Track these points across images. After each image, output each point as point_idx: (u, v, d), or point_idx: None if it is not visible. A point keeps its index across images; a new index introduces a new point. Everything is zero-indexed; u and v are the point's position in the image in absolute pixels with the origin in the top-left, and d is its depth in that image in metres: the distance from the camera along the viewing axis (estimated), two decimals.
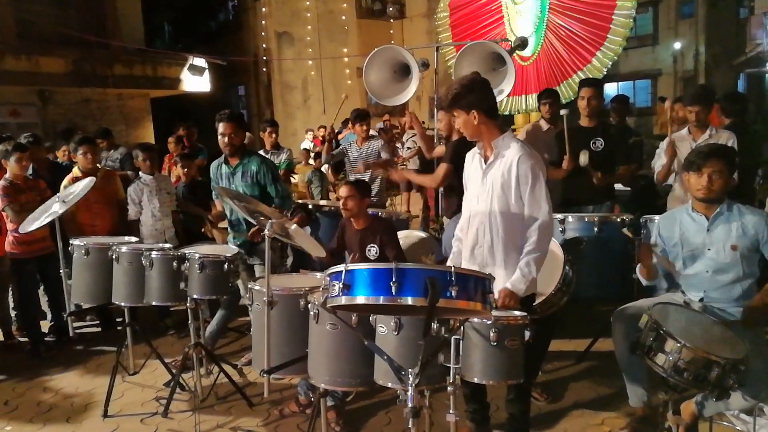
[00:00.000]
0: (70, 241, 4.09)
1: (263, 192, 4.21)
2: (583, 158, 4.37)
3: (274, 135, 6.24)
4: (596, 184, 4.42)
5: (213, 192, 4.72)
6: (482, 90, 2.77)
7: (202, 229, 5.02)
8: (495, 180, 2.76)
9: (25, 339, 5.00)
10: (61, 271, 4.09)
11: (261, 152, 6.68)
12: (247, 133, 7.91)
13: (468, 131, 2.82)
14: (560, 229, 4.15)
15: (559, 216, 4.24)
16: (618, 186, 4.86)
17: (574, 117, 4.71)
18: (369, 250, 3.89)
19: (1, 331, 5.06)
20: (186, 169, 5.62)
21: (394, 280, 1.77)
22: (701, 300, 3.03)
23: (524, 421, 3.10)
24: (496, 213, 2.78)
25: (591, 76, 6.27)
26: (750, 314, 2.83)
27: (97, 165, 5.31)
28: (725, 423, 3.14)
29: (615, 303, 3.39)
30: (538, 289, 3.01)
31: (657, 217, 3.93)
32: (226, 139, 4.15)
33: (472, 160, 2.94)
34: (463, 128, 2.83)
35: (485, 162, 2.83)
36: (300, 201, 6.17)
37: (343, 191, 3.85)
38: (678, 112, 5.90)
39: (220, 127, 4.16)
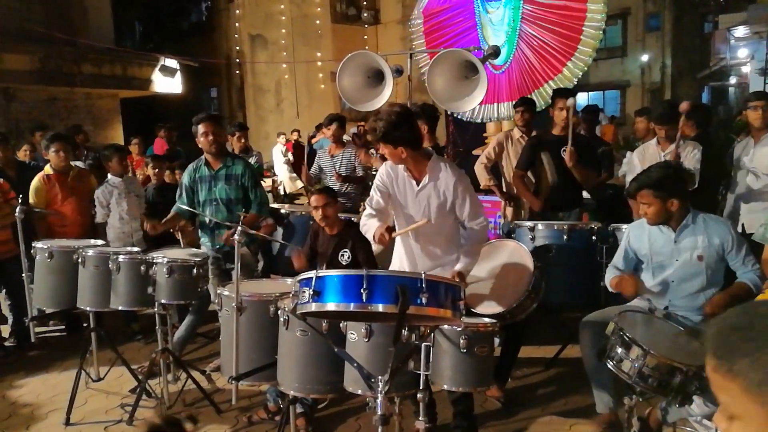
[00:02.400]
0: (33, 244, 3.98)
1: (245, 196, 4.19)
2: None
3: (243, 139, 6.15)
4: (570, 167, 4.46)
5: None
6: (408, 126, 2.91)
7: (171, 230, 4.90)
8: (431, 198, 3.02)
9: None
10: (23, 274, 3.99)
11: None
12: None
13: (395, 161, 3.01)
14: (530, 237, 4.19)
15: (529, 224, 4.29)
16: (585, 194, 4.96)
17: (546, 125, 4.79)
18: (342, 256, 3.87)
19: None
20: (157, 170, 5.52)
21: (364, 287, 1.77)
22: (666, 308, 3.10)
23: (472, 418, 3.17)
24: (436, 225, 3.02)
25: (562, 86, 6.37)
26: (711, 310, 2.92)
27: (70, 164, 5.18)
28: (688, 429, 3.20)
29: (584, 310, 3.44)
30: (507, 294, 3.06)
31: (625, 226, 4.01)
32: (210, 137, 4.10)
33: (397, 178, 3.09)
34: (390, 158, 2.99)
35: (417, 183, 3.04)
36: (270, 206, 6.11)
37: (318, 200, 3.80)
38: (639, 124, 6.06)
39: (202, 127, 4.10)
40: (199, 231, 4.37)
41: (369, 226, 2.97)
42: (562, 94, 4.69)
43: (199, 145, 4.25)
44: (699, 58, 21.41)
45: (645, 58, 22.35)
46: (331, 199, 3.82)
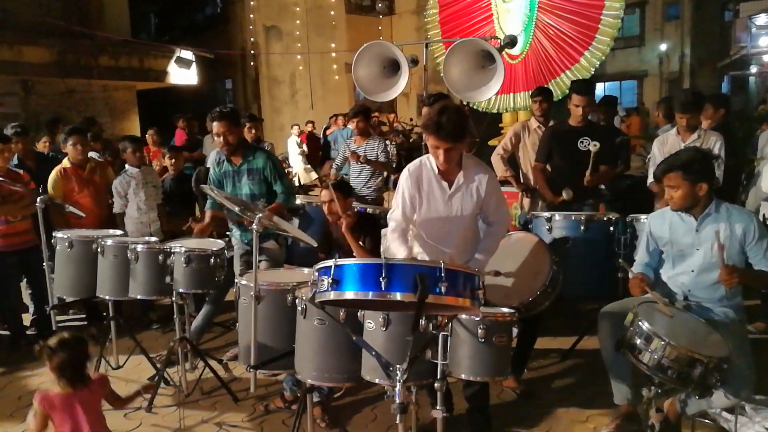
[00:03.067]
0: (54, 234, 4.03)
1: (270, 189, 4.14)
2: (566, 194, 4.48)
3: (254, 130, 6.12)
4: (587, 184, 4.44)
5: (206, 198, 4.58)
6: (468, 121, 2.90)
7: (184, 227, 4.92)
8: (465, 199, 2.95)
9: (6, 332, 4.93)
10: (44, 264, 4.05)
11: None
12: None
13: (453, 159, 2.87)
14: (547, 227, 4.16)
15: (546, 214, 4.25)
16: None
17: (563, 116, 4.74)
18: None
19: None
20: (174, 161, 5.54)
21: (383, 275, 1.77)
22: (685, 299, 3.06)
23: (487, 414, 3.15)
24: (465, 225, 2.99)
25: (580, 76, 6.30)
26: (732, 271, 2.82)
27: (88, 156, 5.24)
28: (708, 421, 3.18)
29: (600, 301, 3.41)
30: (524, 289, 3.05)
31: (644, 217, 3.97)
32: (220, 138, 4.02)
33: (421, 182, 2.96)
34: (449, 155, 2.83)
35: (449, 185, 2.94)
36: None
37: (325, 196, 3.79)
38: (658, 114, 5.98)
39: (214, 127, 4.04)
40: (229, 224, 4.36)
41: (397, 249, 2.91)
42: (583, 92, 4.63)
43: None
44: (719, 47, 21.03)
45: (663, 47, 22.00)
46: (339, 193, 3.76)
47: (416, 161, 3.04)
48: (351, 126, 6.24)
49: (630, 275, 3.10)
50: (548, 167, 4.84)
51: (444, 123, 2.70)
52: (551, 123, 5.13)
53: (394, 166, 6.01)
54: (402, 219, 2.98)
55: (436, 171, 2.94)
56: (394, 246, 2.94)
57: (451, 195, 2.94)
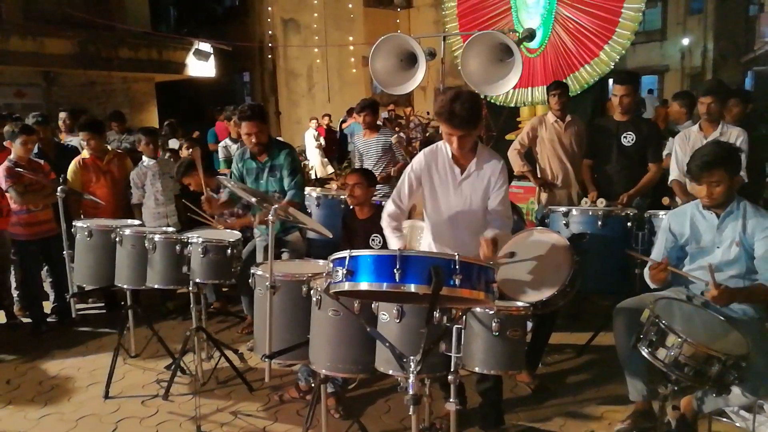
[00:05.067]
0: (74, 223, 4.09)
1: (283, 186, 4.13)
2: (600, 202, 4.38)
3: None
4: (622, 204, 4.34)
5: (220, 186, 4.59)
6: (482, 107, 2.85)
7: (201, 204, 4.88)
8: (475, 186, 2.92)
9: (28, 319, 5.03)
10: (64, 252, 4.11)
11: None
12: None
13: (466, 146, 2.84)
14: (564, 222, 4.13)
15: (563, 209, 4.23)
16: None
17: (581, 110, 4.68)
18: (373, 240, 3.88)
19: (4, 311, 5.08)
20: (191, 151, 5.58)
21: (398, 267, 1.77)
22: (703, 295, 3.02)
23: (499, 408, 3.16)
24: (475, 212, 2.95)
25: (599, 70, 6.23)
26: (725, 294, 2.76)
27: (107, 147, 5.31)
28: (724, 419, 3.14)
29: (616, 297, 3.39)
30: (542, 287, 3.03)
31: (662, 212, 3.92)
32: (252, 138, 3.97)
33: (437, 166, 2.95)
34: (463, 142, 2.81)
35: (461, 171, 2.93)
36: None
37: (351, 179, 3.83)
38: (673, 108, 5.85)
39: (244, 127, 3.99)
40: (250, 215, 4.37)
41: (390, 240, 2.94)
42: (619, 80, 4.57)
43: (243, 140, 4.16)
44: (743, 42, 20.64)
45: (686, 41, 21.64)
46: (364, 180, 3.81)
47: (432, 146, 3.04)
48: (358, 120, 6.23)
49: (649, 263, 3.04)
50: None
51: (457, 110, 2.67)
52: (568, 118, 5.09)
53: (406, 158, 6.01)
54: (394, 207, 2.99)
55: (450, 156, 2.94)
56: (390, 229, 2.96)
57: (461, 181, 2.93)
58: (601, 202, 4.26)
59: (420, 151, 3.09)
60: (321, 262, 3.34)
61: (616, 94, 4.46)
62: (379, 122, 7.09)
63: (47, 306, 5.16)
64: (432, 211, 3.03)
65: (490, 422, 3.16)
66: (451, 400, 2.40)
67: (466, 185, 2.94)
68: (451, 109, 2.68)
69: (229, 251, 3.70)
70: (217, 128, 9.40)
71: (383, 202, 4.75)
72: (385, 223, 3.02)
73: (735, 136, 4.13)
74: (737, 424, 3.13)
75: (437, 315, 2.39)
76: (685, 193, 4.20)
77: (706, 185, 2.91)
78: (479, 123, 2.81)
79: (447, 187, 2.96)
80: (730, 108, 5.07)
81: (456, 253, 1.82)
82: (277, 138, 6.36)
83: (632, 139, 4.46)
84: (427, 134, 11.61)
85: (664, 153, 4.80)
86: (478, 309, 2.51)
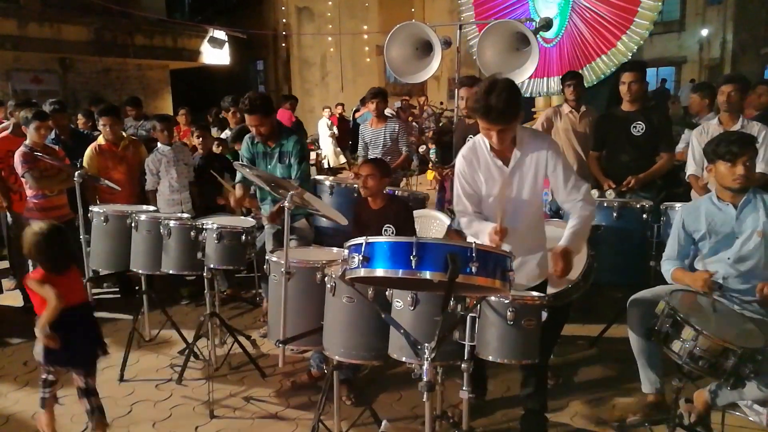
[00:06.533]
0: (90, 208, 4.13)
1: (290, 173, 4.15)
2: (609, 194, 4.37)
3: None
4: (627, 189, 4.31)
5: (235, 173, 4.61)
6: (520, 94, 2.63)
7: (219, 201, 5.00)
8: (524, 175, 2.71)
9: None
10: (80, 237, 4.15)
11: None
12: None
13: (507, 140, 2.63)
14: None
15: None
16: None
17: (596, 101, 4.64)
18: (385, 231, 3.88)
19: (21, 295, 5.15)
20: (202, 140, 5.58)
21: (414, 253, 1.76)
22: (720, 288, 2.99)
23: (543, 416, 3.09)
24: (529, 204, 2.77)
25: (616, 60, 6.16)
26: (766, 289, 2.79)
27: (122, 134, 5.34)
28: (738, 413, 3.13)
29: (630, 289, 3.36)
30: (555, 280, 2.97)
31: (678, 205, 3.88)
32: (254, 130, 4.04)
33: (479, 165, 2.76)
34: (503, 137, 2.58)
35: (506, 163, 2.72)
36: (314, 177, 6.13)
37: (364, 169, 3.79)
38: (693, 100, 5.77)
39: (246, 119, 4.05)
40: (260, 203, 4.41)
41: (478, 230, 2.70)
42: (627, 67, 4.51)
43: None
44: (763, 33, 20.28)
45: (704, 32, 21.33)
46: (377, 171, 3.77)
47: (469, 143, 2.85)
48: (369, 108, 6.21)
49: (700, 267, 3.03)
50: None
51: (494, 103, 2.44)
52: (583, 108, 5.04)
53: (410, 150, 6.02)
54: (463, 207, 2.80)
55: (489, 149, 2.72)
56: (472, 231, 2.76)
57: (511, 172, 2.71)
58: (609, 189, 4.24)
59: (431, 140, 3.05)
60: (335, 249, 3.34)
61: (625, 81, 4.41)
62: (388, 112, 7.08)
63: None
64: (485, 210, 2.81)
65: (529, 429, 3.07)
66: (464, 388, 2.41)
67: (515, 178, 2.72)
68: (487, 104, 2.45)
69: (243, 237, 3.71)
70: (279, 116, 9.30)
71: (397, 192, 4.77)
72: (466, 230, 2.83)
73: (756, 131, 4.07)
74: (750, 419, 3.11)
75: (452, 303, 2.38)
76: (703, 188, 4.15)
77: (743, 164, 2.85)
78: (519, 113, 2.58)
79: (493, 184, 2.75)
80: (759, 95, 5.00)
81: (473, 241, 1.81)
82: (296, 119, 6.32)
83: (642, 129, 4.41)
84: (441, 124, 11.58)
85: (681, 145, 4.74)
86: (492, 297, 2.50)
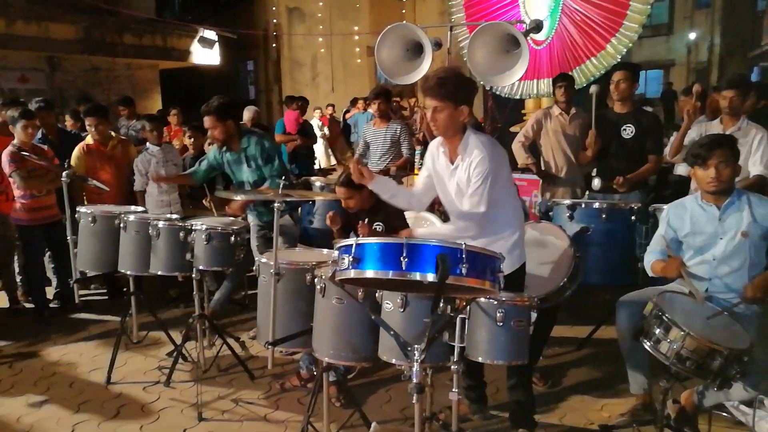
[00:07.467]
0: (77, 209, 4.09)
1: (264, 175, 4.14)
2: (594, 185, 4.41)
3: (192, 138, 5.66)
4: (618, 189, 4.32)
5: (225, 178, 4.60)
6: (474, 89, 2.69)
7: (204, 201, 4.95)
8: (461, 179, 2.72)
9: (30, 304, 5.04)
10: (68, 238, 4.11)
11: None
12: (254, 108, 7.80)
13: (439, 122, 2.63)
14: (568, 215, 4.12)
15: (567, 202, 4.22)
16: None
17: (586, 103, 4.65)
18: (375, 228, 3.87)
19: (7, 296, 5.09)
20: (193, 140, 5.55)
21: (404, 255, 1.77)
22: (706, 290, 3.02)
23: (530, 407, 3.11)
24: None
25: (605, 63, 6.19)
26: (751, 291, 2.83)
27: (111, 133, 5.29)
28: (724, 413, 3.15)
29: (619, 290, 3.39)
30: (541, 282, 3.01)
31: (665, 207, 3.91)
32: (209, 133, 4.04)
33: (438, 158, 2.82)
34: (436, 117, 2.61)
35: (452, 163, 2.75)
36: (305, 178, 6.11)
37: (339, 194, 3.70)
38: (683, 104, 5.81)
39: (204, 121, 4.04)
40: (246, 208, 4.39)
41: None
42: (618, 66, 4.54)
43: None
44: (750, 37, 20.51)
45: (692, 36, 21.52)
46: (352, 189, 3.69)
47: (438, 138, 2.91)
48: (371, 109, 6.18)
49: (670, 254, 3.04)
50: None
51: (430, 76, 2.57)
52: (573, 110, 5.06)
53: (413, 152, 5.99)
54: (415, 185, 2.94)
55: (443, 145, 2.79)
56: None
57: (451, 173, 2.75)
58: (595, 184, 4.32)
59: (418, 141, 3.07)
60: (324, 251, 3.33)
61: (614, 79, 4.43)
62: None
63: (50, 291, 5.17)
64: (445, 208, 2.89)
65: (517, 422, 3.10)
66: (453, 389, 2.41)
67: (454, 179, 2.75)
68: (426, 76, 2.63)
69: (232, 238, 3.70)
70: (286, 118, 9.09)
71: None
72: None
73: (753, 134, 4.09)
74: (737, 419, 3.14)
75: (442, 304, 2.38)
76: None
77: (714, 166, 2.88)
78: (456, 97, 2.57)
79: (443, 181, 2.82)
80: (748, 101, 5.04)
81: (463, 242, 1.81)
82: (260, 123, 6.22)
83: (632, 132, 4.43)
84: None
85: (667, 148, 4.76)
86: (482, 299, 2.51)
